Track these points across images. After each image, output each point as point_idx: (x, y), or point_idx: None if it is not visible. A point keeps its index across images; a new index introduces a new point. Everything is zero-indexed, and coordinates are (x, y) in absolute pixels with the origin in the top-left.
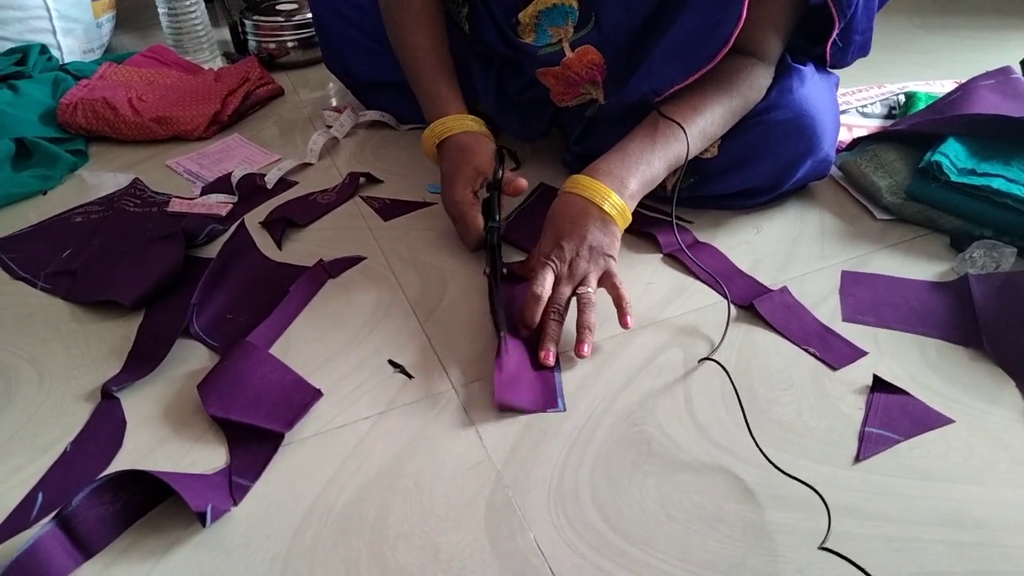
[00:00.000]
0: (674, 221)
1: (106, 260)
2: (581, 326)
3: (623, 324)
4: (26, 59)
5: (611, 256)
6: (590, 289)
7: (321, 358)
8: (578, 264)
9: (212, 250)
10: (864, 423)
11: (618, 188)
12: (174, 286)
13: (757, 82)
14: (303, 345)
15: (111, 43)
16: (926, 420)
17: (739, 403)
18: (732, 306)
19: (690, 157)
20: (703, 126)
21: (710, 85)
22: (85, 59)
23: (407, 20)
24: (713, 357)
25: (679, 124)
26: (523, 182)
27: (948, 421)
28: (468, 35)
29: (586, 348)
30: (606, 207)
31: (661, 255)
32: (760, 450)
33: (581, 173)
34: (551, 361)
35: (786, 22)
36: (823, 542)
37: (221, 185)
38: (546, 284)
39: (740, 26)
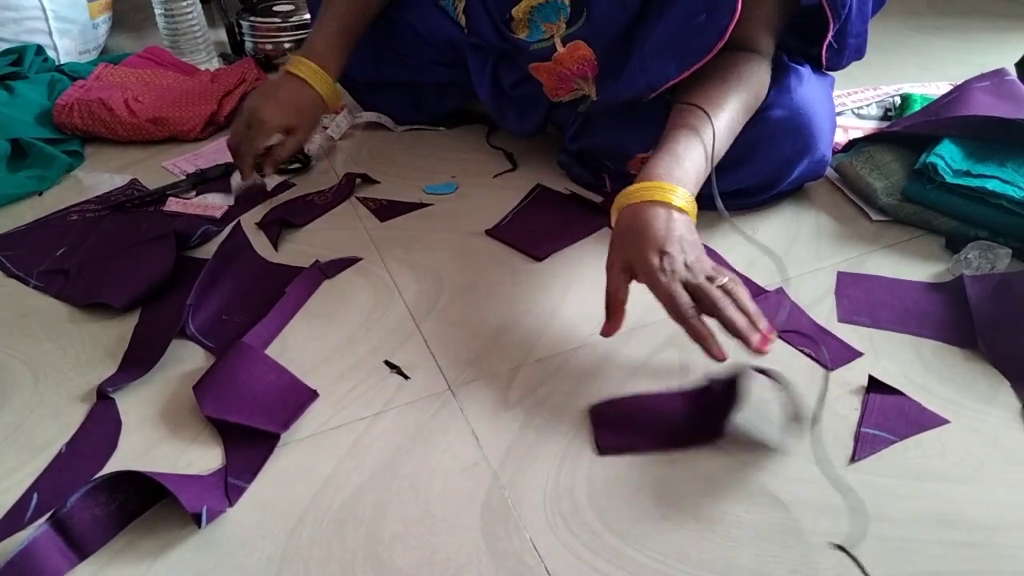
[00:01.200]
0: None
1: (100, 260)
2: (752, 315)
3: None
4: (22, 60)
5: (699, 244)
6: (726, 278)
7: (317, 359)
8: (693, 263)
9: (208, 251)
10: (860, 423)
11: (677, 184)
12: (167, 288)
13: (763, 77)
14: (299, 346)
15: (107, 44)
16: (922, 421)
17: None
18: None
19: (721, 153)
20: (727, 120)
21: (721, 79)
22: (81, 60)
23: None
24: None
25: (711, 121)
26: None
27: (943, 422)
28: (464, 28)
29: (767, 339)
30: (679, 203)
31: None
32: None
33: (636, 182)
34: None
35: (777, 20)
36: (850, 544)
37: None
38: (685, 297)
39: (735, 19)
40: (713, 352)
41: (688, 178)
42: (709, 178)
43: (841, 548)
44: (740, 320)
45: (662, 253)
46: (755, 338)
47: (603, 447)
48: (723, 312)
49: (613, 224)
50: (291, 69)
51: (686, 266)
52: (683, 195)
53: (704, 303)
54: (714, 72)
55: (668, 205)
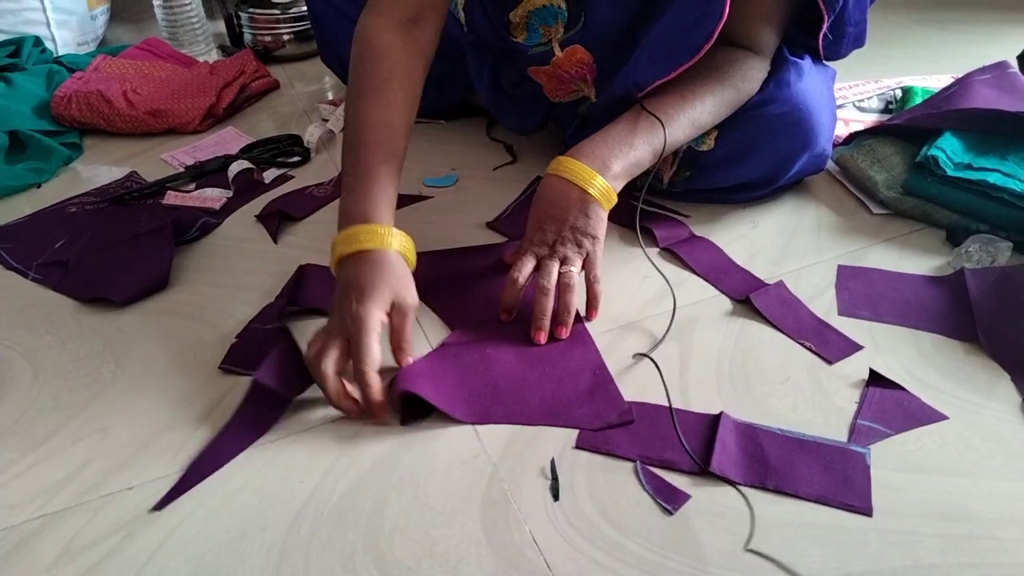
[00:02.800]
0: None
1: (98, 253)
2: (560, 308)
3: (588, 316)
4: (20, 51)
5: (596, 238)
6: (573, 269)
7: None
8: (561, 247)
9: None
10: (856, 415)
11: (601, 169)
12: (166, 283)
13: (750, 74)
14: (301, 338)
15: (105, 36)
16: (920, 416)
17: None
18: (729, 300)
19: (678, 145)
20: (692, 115)
21: (700, 76)
22: (79, 51)
23: (371, 85)
24: (648, 354)
25: (654, 115)
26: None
27: (942, 417)
28: (464, 26)
29: (564, 331)
30: (591, 190)
31: (658, 248)
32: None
33: (565, 155)
34: (542, 340)
35: (779, 15)
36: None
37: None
38: (524, 269)
39: (723, 22)
40: (537, 327)
41: (615, 161)
42: (696, 173)
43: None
44: (541, 309)
45: (541, 227)
46: (535, 333)
47: (578, 443)
48: (539, 293)
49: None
50: (340, 250)
51: (552, 247)
52: (600, 184)
53: (540, 276)
54: (694, 68)
55: (581, 189)
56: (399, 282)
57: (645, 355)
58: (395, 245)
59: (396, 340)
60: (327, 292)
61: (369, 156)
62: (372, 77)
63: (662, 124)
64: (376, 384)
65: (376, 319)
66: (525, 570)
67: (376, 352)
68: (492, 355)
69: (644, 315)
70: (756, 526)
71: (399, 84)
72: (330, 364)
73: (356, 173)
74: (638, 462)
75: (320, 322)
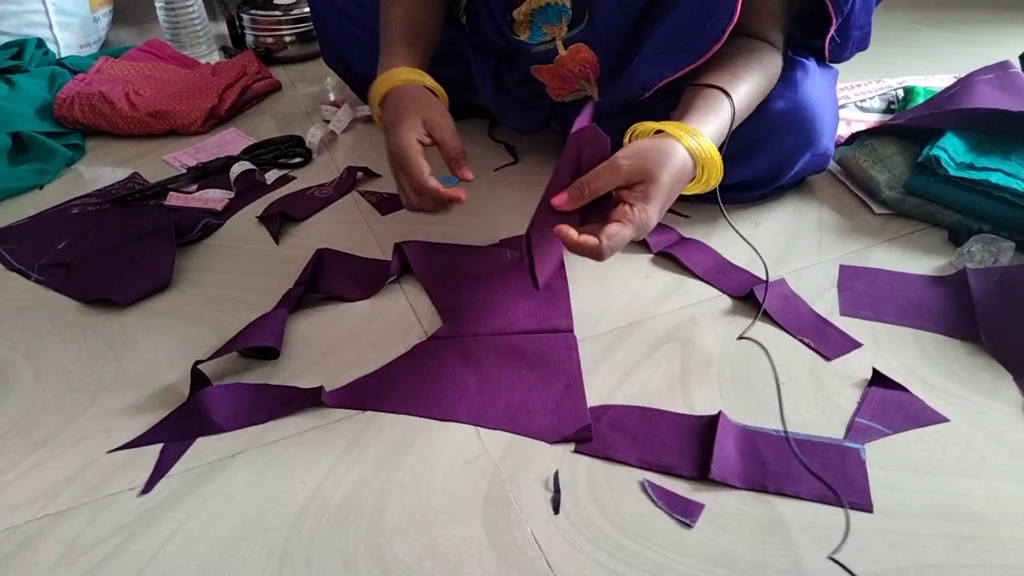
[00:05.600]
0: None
1: (101, 254)
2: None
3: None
4: (22, 53)
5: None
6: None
7: (319, 352)
8: (651, 223)
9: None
10: (855, 414)
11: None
12: (168, 283)
13: (776, 67)
14: (301, 340)
15: (108, 37)
16: (921, 417)
17: (777, 389)
18: (729, 301)
19: (736, 123)
20: (746, 91)
21: (744, 58)
22: (82, 53)
23: None
24: (750, 336)
25: (723, 90)
26: (469, 175)
27: (942, 419)
28: (466, 28)
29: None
30: (712, 181)
31: (651, 254)
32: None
33: (692, 127)
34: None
35: (785, 17)
36: (835, 552)
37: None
38: (622, 244)
39: (733, 23)
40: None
41: (717, 135)
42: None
43: (836, 561)
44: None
45: (658, 203)
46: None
47: (578, 447)
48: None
49: (634, 139)
50: (374, 97)
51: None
52: (713, 150)
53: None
54: (735, 52)
55: (694, 160)
56: (424, 105)
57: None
58: (407, 77)
59: (445, 153)
60: (345, 277)
61: (397, 34)
62: None
63: (733, 106)
64: (432, 184)
65: (409, 140)
66: (527, 571)
67: (420, 164)
68: (474, 355)
69: (647, 315)
70: (758, 527)
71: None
72: (408, 193)
73: (384, 46)
74: (645, 482)
75: (339, 307)
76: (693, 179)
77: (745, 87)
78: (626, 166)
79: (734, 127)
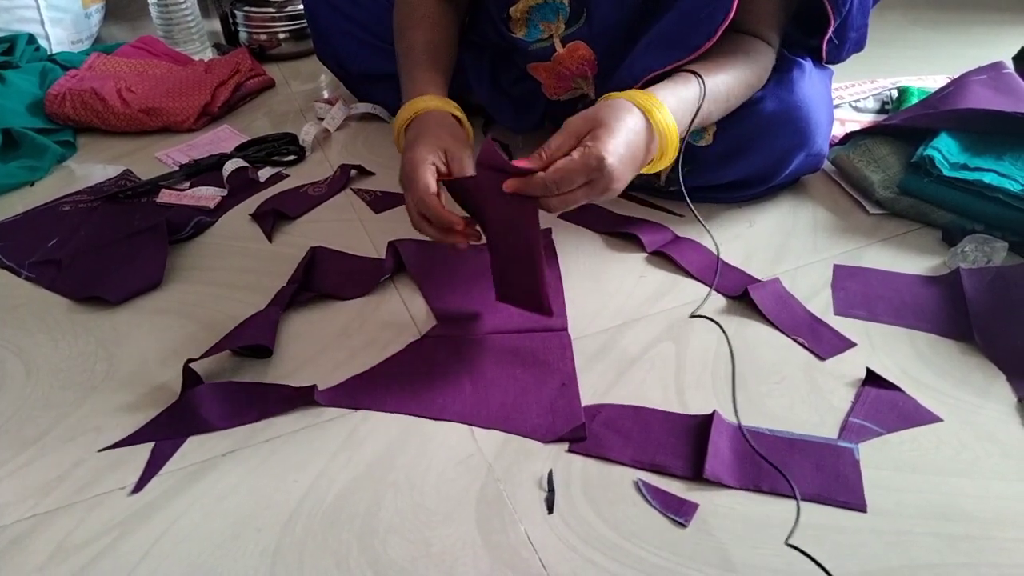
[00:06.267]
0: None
1: (92, 251)
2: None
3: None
4: (13, 49)
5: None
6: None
7: (312, 350)
8: (609, 178)
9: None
10: (849, 414)
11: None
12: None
13: (767, 63)
14: (294, 338)
15: (100, 34)
16: (914, 417)
17: (732, 390)
18: (724, 300)
19: (712, 113)
20: (729, 83)
21: (730, 52)
22: (73, 49)
23: (415, 17)
24: (704, 314)
25: (696, 73)
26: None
27: (936, 419)
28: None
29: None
30: (669, 149)
31: (646, 253)
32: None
33: (657, 96)
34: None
35: (781, 16)
36: (788, 537)
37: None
38: (569, 183)
39: (728, 21)
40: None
41: (676, 112)
42: (693, 169)
43: (802, 551)
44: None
45: (617, 155)
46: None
47: (572, 447)
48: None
49: (600, 100)
50: (399, 124)
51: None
52: (670, 120)
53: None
54: (722, 46)
55: (651, 125)
56: (448, 133)
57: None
58: (435, 105)
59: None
60: (339, 275)
61: (420, 62)
62: (416, 10)
63: (703, 87)
64: (433, 202)
65: (422, 157)
66: (521, 570)
67: (427, 180)
68: (468, 354)
69: (641, 314)
70: (752, 527)
71: (441, 17)
72: (412, 212)
73: (408, 75)
74: (639, 482)
75: (333, 305)
76: (651, 139)
77: (723, 76)
78: (574, 121)
79: (706, 109)
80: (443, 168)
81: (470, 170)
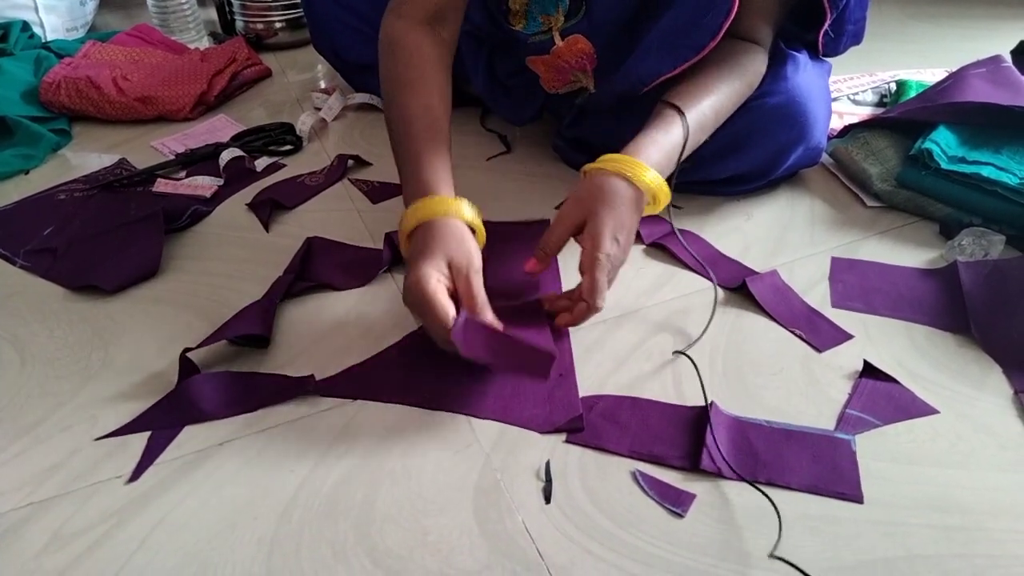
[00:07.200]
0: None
1: (87, 240)
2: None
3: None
4: (7, 36)
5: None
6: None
7: (309, 340)
8: (621, 256)
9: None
10: (846, 405)
11: (656, 166)
12: (155, 270)
13: (757, 67)
14: (290, 328)
15: (95, 22)
16: (911, 409)
17: (704, 393)
18: (721, 290)
19: (702, 138)
20: (715, 105)
21: (713, 66)
22: (68, 37)
23: (408, 77)
24: (686, 352)
25: (678, 108)
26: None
27: (933, 411)
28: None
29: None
30: (647, 185)
31: (644, 245)
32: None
33: (628, 157)
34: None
35: (777, 11)
36: (774, 549)
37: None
38: (605, 294)
39: (730, 18)
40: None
41: (662, 162)
42: (691, 164)
43: (788, 562)
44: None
45: (616, 239)
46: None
47: (569, 437)
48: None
49: (583, 179)
50: (404, 228)
51: (615, 258)
52: (654, 177)
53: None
54: (710, 60)
55: (637, 188)
56: (453, 243)
57: (683, 353)
58: (444, 210)
59: (465, 307)
60: (335, 266)
61: (420, 140)
62: (409, 70)
63: (685, 122)
64: (446, 326)
65: (428, 276)
66: (517, 559)
67: (446, 308)
68: None
69: (639, 305)
70: (749, 517)
71: (435, 74)
72: (437, 339)
73: (410, 158)
74: (636, 472)
75: (330, 296)
76: (639, 198)
77: (710, 100)
78: (567, 213)
79: (692, 142)
80: (447, 285)
81: (476, 292)
